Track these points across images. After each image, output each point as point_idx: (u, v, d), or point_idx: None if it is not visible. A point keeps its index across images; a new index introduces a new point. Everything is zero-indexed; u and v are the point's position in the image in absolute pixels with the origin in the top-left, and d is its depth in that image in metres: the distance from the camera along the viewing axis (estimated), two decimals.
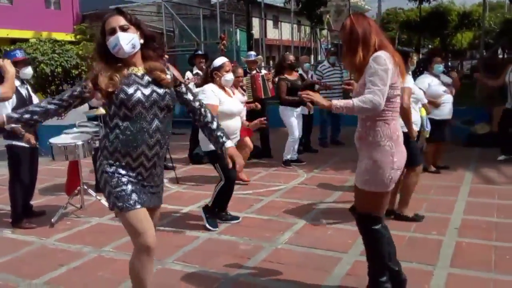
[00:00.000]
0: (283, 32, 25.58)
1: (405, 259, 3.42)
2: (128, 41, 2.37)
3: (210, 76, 4.49)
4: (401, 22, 33.91)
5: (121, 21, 2.39)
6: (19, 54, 4.60)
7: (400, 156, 2.74)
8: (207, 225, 4.36)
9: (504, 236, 3.90)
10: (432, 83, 5.77)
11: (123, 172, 2.42)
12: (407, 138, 4.12)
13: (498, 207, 4.69)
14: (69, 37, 15.69)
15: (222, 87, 4.50)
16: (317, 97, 2.69)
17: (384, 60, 2.60)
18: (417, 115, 4.61)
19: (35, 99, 4.78)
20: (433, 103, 5.60)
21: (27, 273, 3.54)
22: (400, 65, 2.72)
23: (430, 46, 39.61)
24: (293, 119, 6.89)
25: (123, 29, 2.36)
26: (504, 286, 3.07)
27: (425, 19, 28.72)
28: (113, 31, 2.37)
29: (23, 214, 4.71)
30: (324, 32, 30.38)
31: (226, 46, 6.94)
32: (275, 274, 3.38)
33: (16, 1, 19.71)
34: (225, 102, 4.39)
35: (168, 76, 2.48)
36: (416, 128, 4.38)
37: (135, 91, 2.38)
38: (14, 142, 4.52)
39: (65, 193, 5.24)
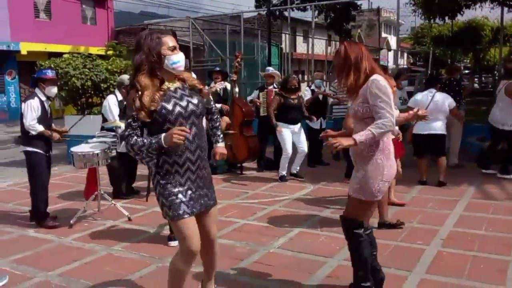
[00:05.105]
0: (313, 46, 25.92)
1: (384, 265, 3.68)
2: (184, 59, 2.73)
3: None
4: (432, 36, 33.60)
5: (175, 42, 2.72)
6: (49, 73, 5.11)
7: (390, 169, 2.99)
8: None
9: (485, 247, 4.10)
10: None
11: (174, 182, 2.70)
12: None
13: (489, 221, 4.86)
14: (100, 51, 16.53)
15: None
16: (341, 140, 2.87)
17: (384, 84, 2.91)
18: None
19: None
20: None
21: (44, 267, 3.98)
22: (391, 87, 3.03)
23: (466, 60, 38.79)
24: (287, 136, 6.96)
25: (180, 49, 2.75)
26: None
27: (457, 34, 28.44)
28: (174, 49, 2.68)
29: (44, 213, 5.17)
30: None
31: (240, 63, 7.28)
32: (262, 274, 3.70)
33: (54, 17, 20.71)
34: None
35: (207, 87, 2.83)
36: None
37: (174, 106, 2.65)
38: (29, 149, 5.02)
39: (84, 197, 5.71)
